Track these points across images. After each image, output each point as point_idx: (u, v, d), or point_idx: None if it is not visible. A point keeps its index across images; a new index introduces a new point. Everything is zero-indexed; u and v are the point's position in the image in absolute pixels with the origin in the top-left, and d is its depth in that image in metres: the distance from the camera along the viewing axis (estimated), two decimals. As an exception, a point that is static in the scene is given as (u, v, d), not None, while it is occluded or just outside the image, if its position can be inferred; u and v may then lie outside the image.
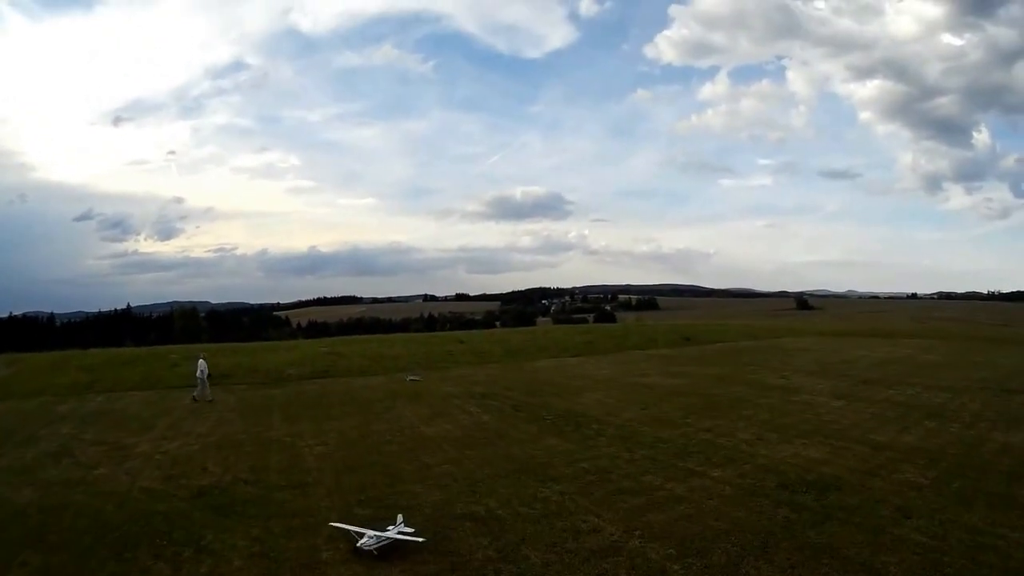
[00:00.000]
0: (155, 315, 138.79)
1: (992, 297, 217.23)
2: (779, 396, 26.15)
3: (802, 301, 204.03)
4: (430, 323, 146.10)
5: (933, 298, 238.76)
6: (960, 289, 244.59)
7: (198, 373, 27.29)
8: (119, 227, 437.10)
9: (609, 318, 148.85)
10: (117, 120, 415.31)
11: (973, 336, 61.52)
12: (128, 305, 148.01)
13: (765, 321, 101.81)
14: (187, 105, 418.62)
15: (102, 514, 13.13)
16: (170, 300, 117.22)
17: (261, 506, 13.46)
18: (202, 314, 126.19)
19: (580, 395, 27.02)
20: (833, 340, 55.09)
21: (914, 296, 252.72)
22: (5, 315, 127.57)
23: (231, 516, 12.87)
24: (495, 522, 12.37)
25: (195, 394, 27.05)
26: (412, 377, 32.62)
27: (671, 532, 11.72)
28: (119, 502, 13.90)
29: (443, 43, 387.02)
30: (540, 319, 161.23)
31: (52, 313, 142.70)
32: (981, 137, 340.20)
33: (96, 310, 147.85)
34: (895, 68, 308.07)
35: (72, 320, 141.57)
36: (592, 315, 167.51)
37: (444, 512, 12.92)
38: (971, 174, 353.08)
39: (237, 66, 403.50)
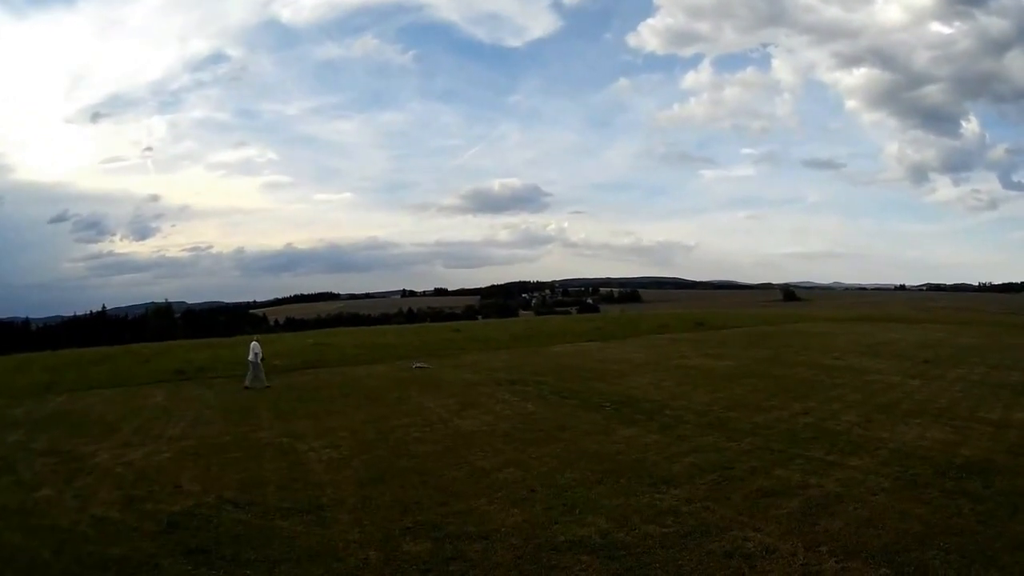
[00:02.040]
0: (131, 316, 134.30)
1: (984, 288, 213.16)
2: (851, 376, 22.76)
3: (789, 292, 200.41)
4: (410, 318, 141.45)
5: (922, 289, 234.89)
6: (949, 281, 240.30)
7: (250, 357, 24.55)
8: (95, 228, 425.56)
9: (592, 311, 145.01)
10: (95, 116, 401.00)
11: (993, 323, 57.93)
12: (103, 307, 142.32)
13: (757, 311, 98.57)
14: (165, 100, 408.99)
15: (35, 564, 8.98)
16: (146, 301, 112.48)
17: (260, 544, 9.23)
18: (177, 314, 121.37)
19: (627, 379, 23.35)
20: (853, 324, 51.57)
21: (902, 287, 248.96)
22: None
23: (216, 564, 8.66)
24: (622, 551, 8.46)
25: (247, 382, 24.26)
26: (418, 364, 28.58)
27: (865, 545, 8.54)
28: (59, 542, 9.63)
29: (424, 33, 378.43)
30: (522, 312, 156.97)
31: (27, 318, 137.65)
32: (970, 127, 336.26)
33: (72, 313, 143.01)
34: (882, 56, 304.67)
35: (48, 324, 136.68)
36: (575, 308, 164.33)
37: (539, 541, 8.87)
38: (959, 164, 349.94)
39: (216, 58, 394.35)
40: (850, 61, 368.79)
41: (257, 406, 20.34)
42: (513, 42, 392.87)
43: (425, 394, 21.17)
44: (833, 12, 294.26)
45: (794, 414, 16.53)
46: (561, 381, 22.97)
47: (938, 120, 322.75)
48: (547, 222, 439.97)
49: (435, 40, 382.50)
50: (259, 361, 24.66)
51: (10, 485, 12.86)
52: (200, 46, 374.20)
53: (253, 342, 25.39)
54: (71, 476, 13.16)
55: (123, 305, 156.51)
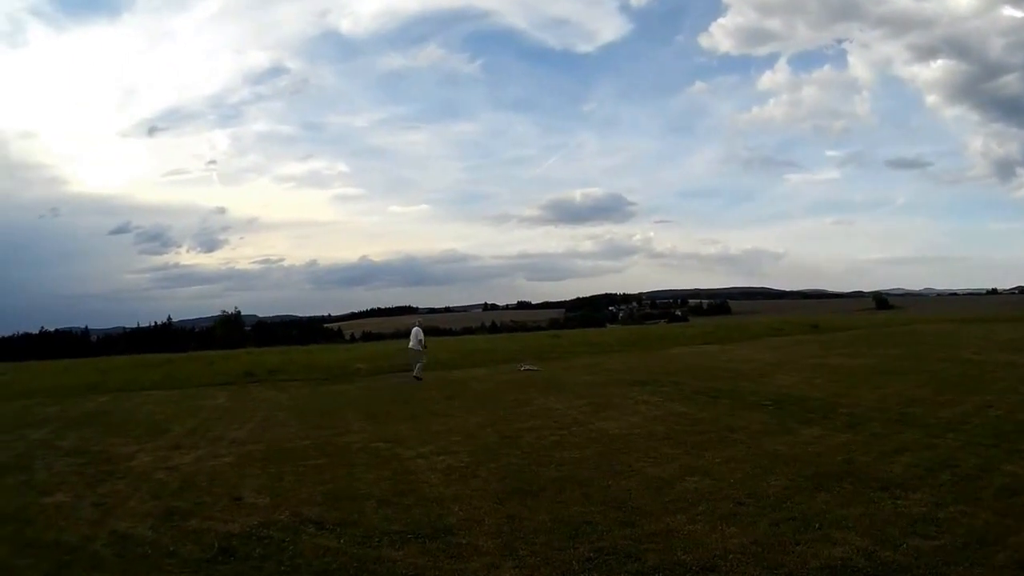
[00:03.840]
0: (197, 328, 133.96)
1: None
2: (1006, 371, 19.42)
3: (881, 300, 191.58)
4: (493, 331, 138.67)
5: (1014, 293, 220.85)
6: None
7: (412, 344, 22.98)
8: (158, 240, 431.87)
9: (681, 323, 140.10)
10: (152, 130, 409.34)
11: None
12: (169, 318, 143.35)
13: (856, 318, 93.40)
14: (225, 113, 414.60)
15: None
16: (214, 314, 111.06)
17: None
18: (247, 326, 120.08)
19: (772, 378, 19.45)
20: (967, 325, 45.56)
21: (994, 291, 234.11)
22: (36, 330, 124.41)
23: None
24: (900, 574, 5.88)
25: (415, 373, 22.37)
26: (527, 367, 24.82)
27: None
28: (58, 565, 6.62)
29: (490, 41, 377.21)
30: (609, 326, 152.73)
31: (87, 327, 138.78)
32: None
33: (135, 324, 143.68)
34: (957, 46, 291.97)
35: (109, 334, 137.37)
36: (663, 320, 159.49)
37: (787, 569, 6.07)
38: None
39: (276, 71, 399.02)
40: (926, 53, 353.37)
41: (341, 407, 16.99)
42: (584, 47, 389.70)
43: (547, 395, 17.51)
44: (904, 1, 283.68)
45: (978, 408, 13.69)
46: (699, 380, 19.15)
47: (1019, 111, 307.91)
48: (632, 232, 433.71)
49: (502, 48, 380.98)
50: (422, 348, 22.76)
51: (17, 486, 9.86)
52: (258, 58, 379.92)
53: (415, 327, 23.37)
54: (96, 480, 9.99)
55: (190, 317, 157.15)
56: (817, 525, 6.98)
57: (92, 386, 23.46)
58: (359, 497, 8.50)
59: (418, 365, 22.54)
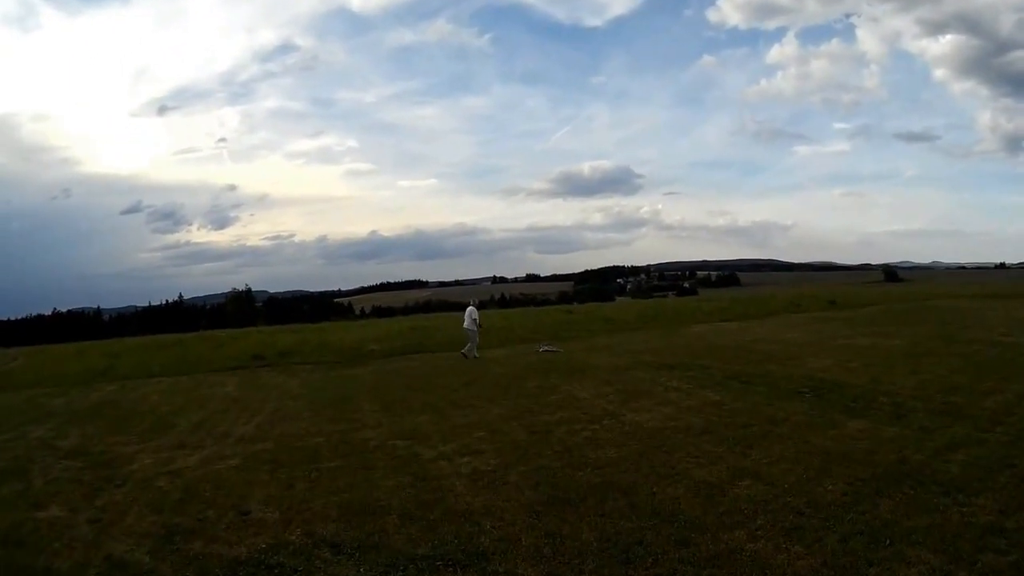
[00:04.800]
0: (208, 305, 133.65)
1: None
2: None
3: (890, 272, 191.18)
4: (502, 304, 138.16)
5: (1022, 267, 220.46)
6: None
7: (467, 324, 22.56)
8: (170, 218, 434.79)
9: (690, 295, 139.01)
10: (162, 109, 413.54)
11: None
12: (180, 296, 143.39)
13: (867, 289, 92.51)
14: (235, 91, 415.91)
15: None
16: (226, 291, 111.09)
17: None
18: (259, 302, 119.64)
19: (803, 361, 18.37)
20: (985, 301, 44.33)
21: (1002, 266, 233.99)
22: (49, 311, 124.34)
23: None
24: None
25: (473, 352, 22.13)
26: (545, 347, 23.93)
27: None
28: None
29: (499, 15, 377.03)
30: (618, 298, 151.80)
31: (99, 307, 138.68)
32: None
33: (147, 303, 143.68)
34: (967, 21, 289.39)
35: (121, 314, 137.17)
36: (672, 292, 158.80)
37: None
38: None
39: (285, 48, 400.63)
40: (936, 28, 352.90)
41: (355, 396, 16.15)
42: (593, 21, 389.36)
43: (571, 381, 16.54)
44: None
45: (1019, 397, 12.69)
46: (727, 364, 18.17)
47: None
48: (640, 204, 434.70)
49: (511, 22, 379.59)
50: (476, 328, 22.37)
51: (12, 497, 9.11)
52: (268, 36, 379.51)
53: (470, 307, 22.97)
54: (95, 489, 9.24)
55: (201, 294, 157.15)
56: (887, 540, 6.26)
57: (101, 372, 22.92)
58: (379, 511, 7.67)
59: (470, 345, 22.11)
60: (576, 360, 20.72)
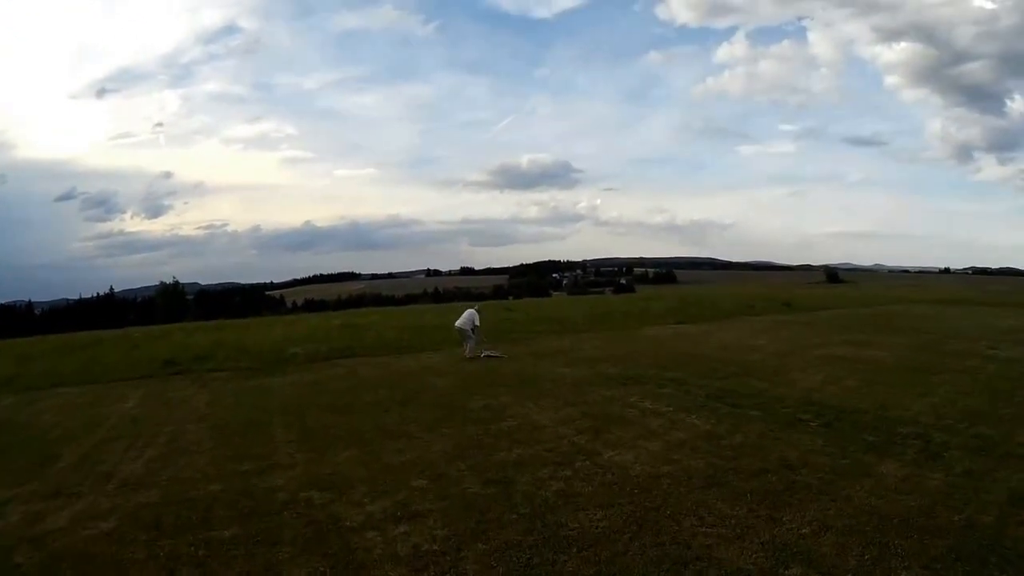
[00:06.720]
0: (140, 298, 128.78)
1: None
2: None
3: (832, 274, 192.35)
4: (436, 298, 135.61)
5: (967, 272, 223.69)
6: (994, 264, 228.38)
7: (460, 322, 21.44)
8: (103, 206, 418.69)
9: (627, 291, 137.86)
10: (101, 92, 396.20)
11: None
12: (111, 289, 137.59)
13: (809, 291, 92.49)
14: (176, 73, 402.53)
15: None
16: (158, 283, 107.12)
17: None
18: (190, 295, 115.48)
19: (786, 376, 16.50)
20: (947, 308, 43.60)
21: (947, 271, 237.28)
22: None
23: None
24: None
25: (487, 350, 21.43)
26: (488, 352, 21.39)
27: None
28: None
29: (446, 3, 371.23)
30: (554, 293, 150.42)
31: (30, 301, 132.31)
32: (1015, 106, 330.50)
33: (78, 296, 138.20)
34: (923, 31, 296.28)
35: (54, 307, 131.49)
36: (609, 289, 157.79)
37: None
38: (1005, 144, 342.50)
39: (230, 30, 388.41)
40: (891, 35, 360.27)
41: (269, 418, 13.50)
42: (541, 12, 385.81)
43: (523, 400, 14.17)
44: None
45: None
46: (704, 379, 16.10)
47: (982, 98, 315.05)
48: (578, 199, 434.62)
49: (458, 10, 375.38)
50: (471, 331, 21.26)
51: None
52: (212, 17, 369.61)
53: (471, 310, 21.75)
54: None
55: (134, 287, 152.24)
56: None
57: (7, 381, 20.03)
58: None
59: (468, 345, 21.18)
60: (525, 369, 18.41)
